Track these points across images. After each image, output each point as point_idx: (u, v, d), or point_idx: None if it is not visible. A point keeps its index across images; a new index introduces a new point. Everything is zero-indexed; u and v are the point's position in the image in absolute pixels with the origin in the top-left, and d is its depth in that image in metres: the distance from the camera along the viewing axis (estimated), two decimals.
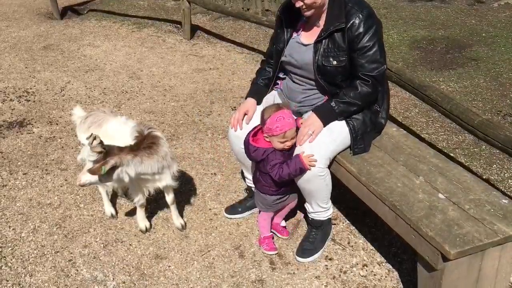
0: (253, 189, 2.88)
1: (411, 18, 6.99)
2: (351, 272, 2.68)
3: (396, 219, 2.24)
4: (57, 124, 4.42)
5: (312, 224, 2.81)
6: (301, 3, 2.49)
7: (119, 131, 2.81)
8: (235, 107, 4.61)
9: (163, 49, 6.26)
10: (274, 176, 2.53)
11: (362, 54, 2.52)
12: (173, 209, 3.04)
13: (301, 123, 2.64)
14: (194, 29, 6.77)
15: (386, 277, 2.65)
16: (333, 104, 2.59)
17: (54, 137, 4.20)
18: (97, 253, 2.87)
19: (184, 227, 3.04)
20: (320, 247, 2.80)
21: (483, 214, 2.14)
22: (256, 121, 2.76)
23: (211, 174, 3.61)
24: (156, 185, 2.80)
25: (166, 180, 2.78)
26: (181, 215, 3.13)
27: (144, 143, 2.63)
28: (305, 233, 2.88)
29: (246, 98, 2.90)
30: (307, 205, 2.78)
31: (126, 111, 4.59)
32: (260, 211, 2.85)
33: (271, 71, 2.88)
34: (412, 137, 2.81)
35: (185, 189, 3.41)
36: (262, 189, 2.71)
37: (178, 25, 7.05)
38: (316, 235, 2.80)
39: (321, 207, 2.71)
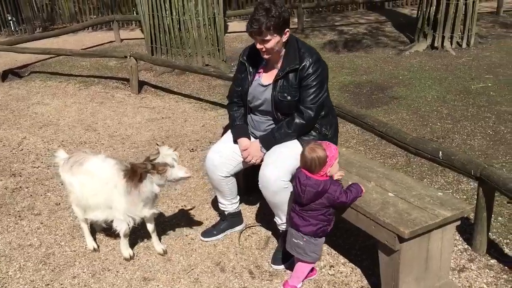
0: (301, 242, 2.75)
1: (337, 66, 7.83)
2: (321, 273, 3.07)
3: (357, 215, 2.70)
4: (20, 176, 4.56)
5: (283, 235, 3.20)
6: (262, 47, 3.00)
7: (99, 168, 3.11)
8: (192, 149, 4.98)
9: (113, 103, 6.57)
10: (347, 199, 2.63)
11: (305, 90, 3.04)
12: (154, 236, 3.32)
13: (245, 150, 3.16)
14: (141, 85, 7.16)
15: (350, 273, 3.07)
16: (276, 135, 3.09)
17: (20, 187, 4.34)
18: (87, 282, 3.07)
19: (165, 252, 3.31)
20: (291, 255, 3.18)
21: (425, 204, 2.66)
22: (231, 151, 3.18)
23: (182, 206, 3.92)
24: (144, 212, 3.10)
25: (152, 207, 3.13)
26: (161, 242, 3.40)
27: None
28: (277, 245, 3.26)
29: (236, 139, 3.24)
30: (276, 219, 3.18)
31: None
32: (301, 263, 2.84)
33: (242, 109, 3.32)
34: (359, 154, 3.34)
35: (160, 221, 3.69)
36: (317, 233, 2.70)
37: (124, 82, 7.42)
38: None
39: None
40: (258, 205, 3.85)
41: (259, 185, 3.03)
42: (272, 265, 3.14)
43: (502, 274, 2.99)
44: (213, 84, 7.22)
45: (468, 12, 8.17)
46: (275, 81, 3.07)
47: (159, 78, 7.63)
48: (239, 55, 3.33)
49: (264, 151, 3.13)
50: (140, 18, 8.18)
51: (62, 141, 5.34)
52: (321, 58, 3.10)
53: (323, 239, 2.75)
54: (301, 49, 3.05)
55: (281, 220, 3.15)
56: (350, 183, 2.79)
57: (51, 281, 3.08)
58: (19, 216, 3.85)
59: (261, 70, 3.21)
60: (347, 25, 10.93)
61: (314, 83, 3.01)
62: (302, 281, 2.91)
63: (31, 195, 4.18)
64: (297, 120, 3.05)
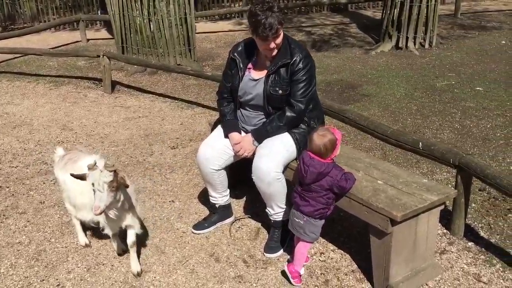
0: (301, 222, 2.86)
1: None
2: (313, 259, 3.20)
3: (350, 202, 2.85)
4: None
5: (275, 225, 3.31)
6: (274, 45, 3.07)
7: None
8: (173, 147, 5.03)
9: (86, 103, 6.51)
10: (346, 185, 2.77)
11: (296, 85, 3.17)
12: (132, 252, 3.08)
13: (236, 144, 3.24)
14: (113, 84, 7.11)
15: (340, 259, 3.21)
16: (268, 128, 3.20)
17: (0, 186, 4.27)
18: (83, 276, 3.08)
19: (139, 274, 3.07)
20: (283, 244, 3.30)
21: (413, 190, 2.83)
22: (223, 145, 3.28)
23: (169, 201, 3.97)
24: (120, 224, 2.98)
25: (127, 220, 2.99)
26: (152, 237, 3.45)
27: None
28: (269, 235, 3.37)
29: (227, 134, 3.31)
30: (268, 209, 3.29)
31: None
32: (301, 243, 2.94)
33: (232, 104, 3.39)
34: (345, 146, 3.50)
35: (149, 216, 3.74)
36: (314, 214, 2.81)
37: (96, 81, 7.35)
38: (279, 234, 3.30)
39: (280, 208, 3.23)
40: (245, 198, 3.95)
41: (253, 177, 3.13)
42: (265, 254, 3.25)
43: (480, 255, 3.21)
44: (187, 84, 7.26)
45: (429, 14, 8.54)
46: (267, 75, 3.18)
47: (131, 78, 7.59)
48: (229, 51, 3.41)
49: (256, 144, 3.23)
50: (110, 18, 8.11)
51: (39, 140, 5.26)
52: (310, 55, 3.24)
53: (323, 221, 2.88)
54: (291, 45, 3.17)
55: (273, 211, 3.25)
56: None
57: (46, 276, 3.08)
58: (4, 215, 3.80)
59: (251, 66, 3.31)
60: (313, 26, 11.18)
61: (304, 77, 3.14)
62: (303, 266, 3.02)
63: (13, 195, 4.12)
64: (288, 113, 3.17)
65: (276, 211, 3.25)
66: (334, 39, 9.83)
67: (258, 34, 2.99)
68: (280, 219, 3.28)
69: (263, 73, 3.23)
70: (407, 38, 8.63)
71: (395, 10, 8.62)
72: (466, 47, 8.79)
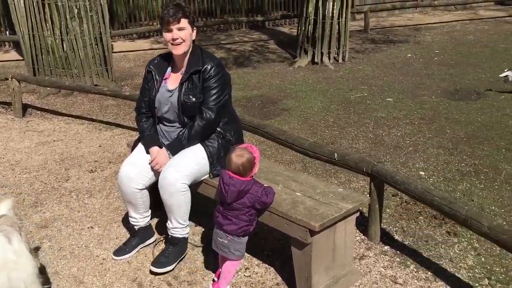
0: (225, 241, 2.87)
1: None
2: (238, 275, 3.20)
3: (271, 215, 2.89)
4: None
5: (171, 241, 3.26)
6: (178, 37, 3.11)
7: None
8: (92, 170, 4.85)
9: None
10: (267, 199, 2.82)
11: (207, 92, 3.21)
12: None
13: (154, 159, 3.20)
14: (25, 108, 6.76)
15: (265, 273, 3.24)
16: (181, 139, 3.21)
17: None
18: None
19: None
20: (173, 261, 3.21)
21: (329, 200, 2.93)
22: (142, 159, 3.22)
23: (88, 228, 3.81)
24: None
25: None
26: (69, 267, 3.29)
27: None
28: (163, 249, 3.31)
29: (148, 149, 3.27)
30: (168, 223, 3.24)
31: None
32: (229, 262, 2.94)
33: (151, 119, 3.37)
34: (266, 160, 3.56)
35: (66, 245, 3.57)
36: (238, 232, 2.83)
37: (5, 106, 6.96)
38: (172, 251, 3.24)
39: (180, 224, 3.20)
40: (166, 219, 3.87)
41: (158, 186, 3.11)
42: (151, 266, 3.18)
43: (395, 257, 3.37)
44: (105, 104, 7.06)
45: (341, 30, 8.96)
46: (181, 84, 3.20)
47: (44, 101, 7.26)
48: (145, 66, 3.41)
49: (171, 157, 3.21)
50: (18, 38, 7.73)
51: None
52: (223, 66, 3.30)
53: (246, 238, 2.89)
54: (203, 54, 3.26)
55: (171, 225, 3.22)
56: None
57: None
58: None
59: (167, 77, 3.32)
60: (232, 43, 11.33)
61: (215, 85, 3.19)
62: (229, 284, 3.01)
63: None
64: (198, 122, 3.19)
65: (175, 226, 3.21)
66: (253, 55, 10.02)
67: (163, 22, 3.10)
68: (177, 235, 3.24)
69: (178, 82, 3.24)
70: (321, 53, 8.98)
71: (309, 27, 8.95)
72: (376, 61, 9.29)
